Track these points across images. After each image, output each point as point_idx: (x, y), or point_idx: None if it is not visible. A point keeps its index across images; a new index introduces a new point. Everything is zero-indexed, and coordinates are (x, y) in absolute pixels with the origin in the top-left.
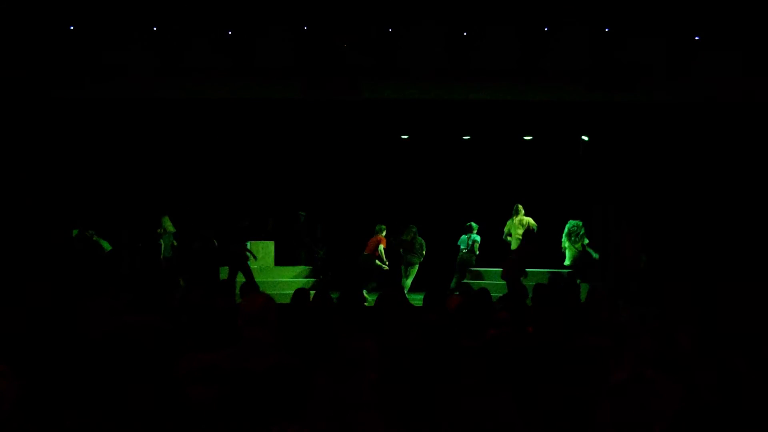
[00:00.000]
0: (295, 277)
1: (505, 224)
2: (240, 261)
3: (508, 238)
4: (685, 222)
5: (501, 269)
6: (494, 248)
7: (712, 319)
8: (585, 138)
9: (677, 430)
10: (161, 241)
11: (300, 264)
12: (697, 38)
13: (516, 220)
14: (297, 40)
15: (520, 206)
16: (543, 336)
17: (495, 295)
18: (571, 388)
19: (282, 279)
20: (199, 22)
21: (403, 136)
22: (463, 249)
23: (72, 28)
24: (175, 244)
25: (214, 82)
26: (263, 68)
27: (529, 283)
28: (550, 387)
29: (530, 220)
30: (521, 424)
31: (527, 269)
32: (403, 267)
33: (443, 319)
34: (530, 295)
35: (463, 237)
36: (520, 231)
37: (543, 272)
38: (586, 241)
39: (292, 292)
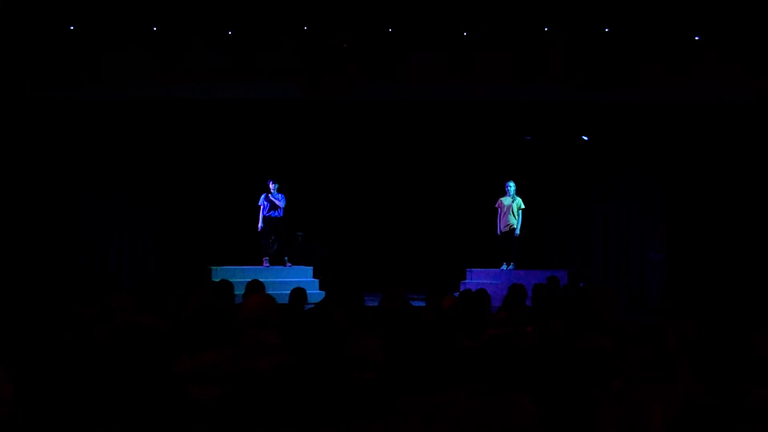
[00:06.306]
0: (297, 276)
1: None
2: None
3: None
4: (682, 221)
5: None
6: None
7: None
8: (585, 138)
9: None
10: None
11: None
12: (697, 38)
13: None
14: (297, 40)
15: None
16: (543, 336)
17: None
18: (572, 389)
19: (285, 279)
20: (199, 22)
21: (402, 137)
22: None
23: (72, 28)
24: None
25: (214, 82)
26: (263, 68)
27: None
28: (550, 387)
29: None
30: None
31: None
32: None
33: (443, 320)
34: (530, 295)
35: None
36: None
37: (542, 272)
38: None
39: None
